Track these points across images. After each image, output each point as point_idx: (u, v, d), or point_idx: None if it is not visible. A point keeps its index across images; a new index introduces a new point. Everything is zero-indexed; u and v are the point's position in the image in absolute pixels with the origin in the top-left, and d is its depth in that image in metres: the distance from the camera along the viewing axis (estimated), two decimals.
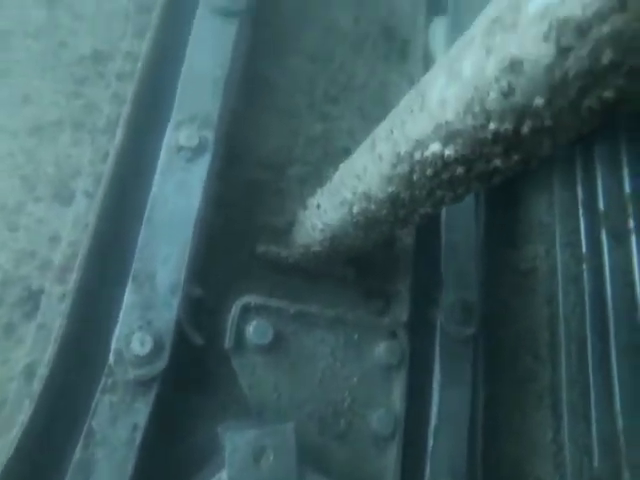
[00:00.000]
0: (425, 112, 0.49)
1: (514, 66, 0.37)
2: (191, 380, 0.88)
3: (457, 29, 1.23)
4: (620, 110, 0.36)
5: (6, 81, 0.97)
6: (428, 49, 1.27)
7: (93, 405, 0.73)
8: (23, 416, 0.73)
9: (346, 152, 1.16)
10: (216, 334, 0.89)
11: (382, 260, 1.04)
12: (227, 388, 0.89)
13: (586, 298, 0.96)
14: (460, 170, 0.49)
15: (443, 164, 0.49)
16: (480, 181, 0.50)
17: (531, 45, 0.35)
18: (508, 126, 0.41)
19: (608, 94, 0.34)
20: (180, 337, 0.81)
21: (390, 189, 0.59)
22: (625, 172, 0.91)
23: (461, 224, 1.05)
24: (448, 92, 0.45)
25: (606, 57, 0.31)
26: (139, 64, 0.96)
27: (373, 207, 0.65)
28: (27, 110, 0.97)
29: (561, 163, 1.03)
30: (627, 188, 0.91)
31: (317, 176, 1.06)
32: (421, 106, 0.50)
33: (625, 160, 0.92)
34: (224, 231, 0.97)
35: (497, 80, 0.39)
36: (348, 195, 0.69)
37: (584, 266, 0.97)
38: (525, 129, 0.40)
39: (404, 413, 0.91)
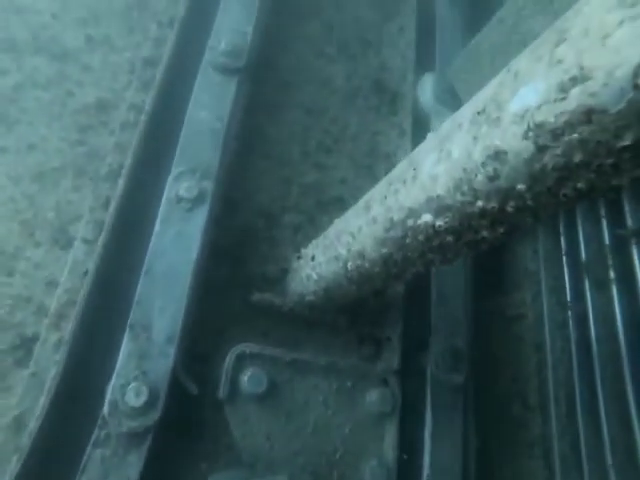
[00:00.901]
0: (417, 184, 0.53)
1: (499, 155, 0.41)
2: (184, 428, 0.88)
3: (444, 85, 1.31)
4: (593, 197, 0.40)
5: (15, 129, 1.00)
6: (417, 102, 1.34)
7: (84, 460, 0.73)
8: (9, 473, 0.72)
9: (339, 201, 1.20)
10: (210, 382, 0.89)
11: (373, 307, 1.07)
12: (220, 436, 0.88)
13: (572, 345, 0.99)
14: (450, 238, 0.53)
15: (434, 232, 0.53)
16: (469, 248, 0.54)
17: (513, 140, 0.39)
18: (494, 204, 0.44)
19: (581, 185, 0.38)
20: (174, 386, 0.82)
21: (383, 250, 0.62)
22: (604, 224, 0.96)
23: (450, 271, 1.09)
24: (439, 168, 0.49)
25: (577, 157, 0.35)
26: (142, 115, 1.00)
27: (367, 265, 0.68)
28: (32, 157, 0.99)
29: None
30: (607, 240, 0.96)
31: (311, 224, 1.10)
32: (413, 178, 0.54)
33: (603, 212, 0.97)
34: (218, 278, 0.98)
35: (483, 165, 0.42)
36: (343, 252, 0.72)
37: (569, 313, 1.00)
38: (509, 208, 0.44)
39: (396, 464, 0.92)
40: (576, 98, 0.32)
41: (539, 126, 0.35)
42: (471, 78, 1.19)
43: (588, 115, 0.32)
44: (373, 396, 0.94)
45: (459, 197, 0.47)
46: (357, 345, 1.02)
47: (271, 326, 0.98)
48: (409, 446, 0.95)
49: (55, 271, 0.94)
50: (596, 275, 0.97)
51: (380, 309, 1.07)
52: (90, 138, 1.03)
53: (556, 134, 0.35)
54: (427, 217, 0.52)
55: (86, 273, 0.88)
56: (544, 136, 0.36)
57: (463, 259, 1.11)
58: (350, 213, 0.74)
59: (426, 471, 0.92)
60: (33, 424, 0.73)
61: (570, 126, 0.33)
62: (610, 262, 0.94)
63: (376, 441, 0.92)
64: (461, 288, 1.07)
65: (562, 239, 1.04)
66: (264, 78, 1.16)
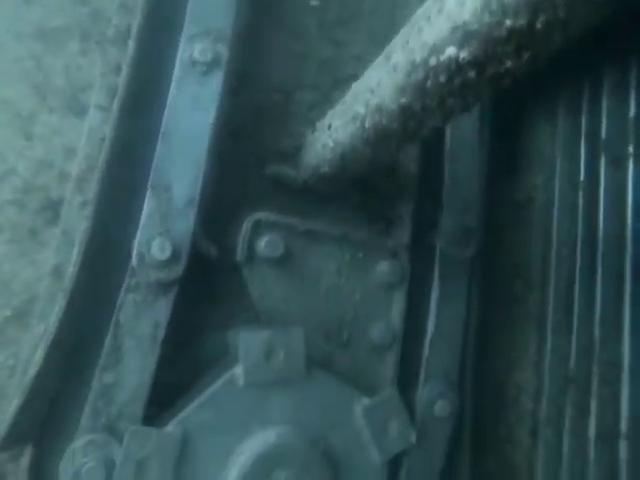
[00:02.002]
0: (443, 14, 0.51)
1: None
2: (202, 291, 0.94)
3: None
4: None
5: None
6: None
7: (119, 301, 0.79)
8: (57, 308, 0.79)
9: (354, 78, 1.16)
10: (227, 250, 0.94)
11: (385, 187, 1.08)
12: (236, 299, 0.95)
13: (579, 224, 1.01)
14: (472, 74, 0.52)
15: (457, 68, 0.52)
16: (490, 84, 0.53)
17: None
18: (522, 21, 0.43)
19: None
20: (194, 249, 0.86)
21: (403, 100, 0.62)
22: (632, 95, 0.93)
23: (464, 153, 1.08)
24: None
25: None
26: None
27: (385, 120, 0.68)
28: (31, 12, 0.95)
29: (567, 92, 1.05)
30: (632, 112, 0.93)
31: (325, 101, 1.08)
32: (440, 9, 0.52)
33: (634, 84, 0.93)
34: (233, 152, 0.99)
35: None
36: (361, 109, 0.72)
37: (580, 193, 1.01)
38: (539, 24, 0.43)
39: (402, 327, 0.99)
40: None
41: None
42: None
43: None
44: (383, 267, 0.98)
45: (486, 18, 0.45)
46: (367, 222, 1.05)
47: (285, 200, 1.00)
48: (415, 313, 1.01)
49: (72, 138, 0.95)
50: (614, 152, 0.97)
51: (392, 189, 1.08)
52: None
53: None
54: (451, 50, 0.51)
55: (103, 139, 0.90)
56: None
57: (478, 142, 1.10)
58: (369, 70, 0.72)
59: (430, 334, 0.99)
60: (71, 269, 0.79)
61: None
62: (631, 137, 0.93)
63: (384, 307, 0.99)
64: (475, 169, 1.07)
65: (583, 118, 1.01)
66: None
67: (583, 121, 1.01)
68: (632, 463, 0.92)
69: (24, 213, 0.95)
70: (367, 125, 0.71)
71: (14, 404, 0.78)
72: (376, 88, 0.66)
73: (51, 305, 0.87)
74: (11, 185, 0.94)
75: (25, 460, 0.83)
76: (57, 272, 0.89)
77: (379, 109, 0.67)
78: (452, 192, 1.04)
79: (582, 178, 1.02)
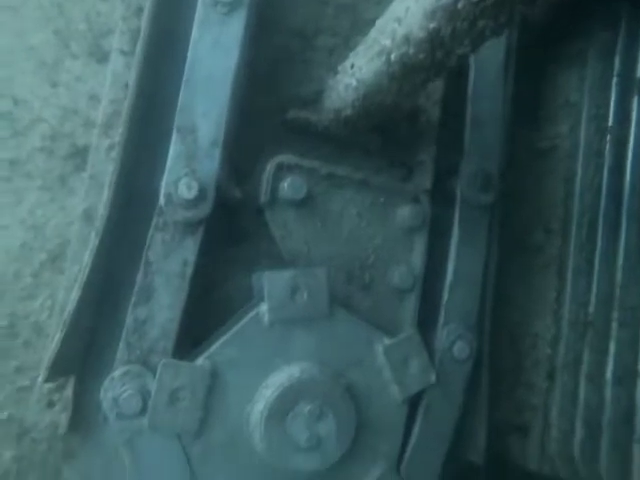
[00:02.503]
0: None
1: None
2: (227, 234, 0.96)
3: None
4: None
5: None
6: None
7: (148, 240, 0.82)
8: (89, 249, 0.82)
9: (374, 24, 1.14)
10: (250, 193, 0.95)
11: (407, 133, 1.07)
12: (260, 243, 0.97)
13: (605, 171, 1.00)
14: None
15: None
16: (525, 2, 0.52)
17: None
18: None
19: None
20: (219, 191, 0.87)
21: (432, 25, 0.61)
22: None
23: (487, 98, 1.06)
24: None
25: None
26: None
27: (412, 51, 0.67)
28: None
29: (601, 30, 1.01)
30: None
31: (345, 46, 1.06)
32: None
33: None
34: (255, 97, 0.99)
35: None
36: (387, 42, 0.71)
37: (608, 138, 0.99)
38: None
39: (423, 270, 1.00)
40: None
41: None
42: None
43: None
44: (404, 212, 0.99)
45: None
46: (388, 168, 1.05)
47: (306, 146, 1.00)
48: (435, 258, 1.03)
49: (95, 85, 0.96)
50: None
51: (413, 135, 1.08)
52: None
53: None
54: None
55: (127, 84, 0.90)
56: None
57: (503, 89, 1.08)
58: (394, 3, 0.71)
59: (450, 277, 1.00)
60: (101, 211, 0.81)
61: None
62: None
63: (405, 251, 1.00)
64: (498, 115, 1.05)
65: (617, 58, 0.98)
66: None
67: (616, 61, 0.98)
68: None
69: (53, 160, 0.97)
70: (393, 59, 0.71)
71: (55, 338, 0.82)
72: (404, 16, 0.65)
73: (83, 247, 0.90)
74: (39, 133, 0.95)
75: (69, 390, 0.88)
76: (87, 216, 0.91)
77: (406, 39, 0.66)
78: (474, 137, 1.03)
79: (611, 123, 1.00)
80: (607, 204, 1.00)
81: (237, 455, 0.86)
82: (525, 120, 1.15)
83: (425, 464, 0.97)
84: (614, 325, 0.97)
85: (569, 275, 1.04)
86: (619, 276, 0.96)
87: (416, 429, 0.97)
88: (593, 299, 1.01)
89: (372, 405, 0.92)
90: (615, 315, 0.96)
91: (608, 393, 0.96)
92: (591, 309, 1.01)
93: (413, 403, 0.97)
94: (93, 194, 0.91)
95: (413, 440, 0.96)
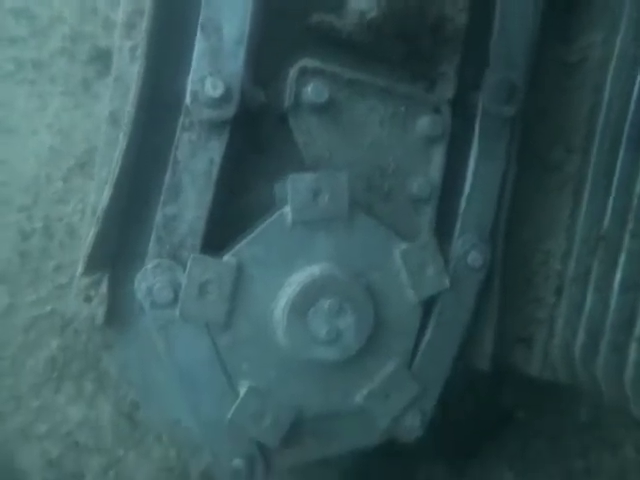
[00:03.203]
0: None
1: None
2: (251, 141, 0.98)
3: None
4: None
5: None
6: None
7: (175, 140, 0.84)
8: (118, 150, 0.84)
9: None
10: (273, 100, 0.95)
11: (431, 44, 1.05)
12: (283, 151, 0.98)
13: (637, 81, 0.97)
14: None
15: None
16: None
17: None
18: None
19: None
20: (243, 94, 0.88)
21: None
22: None
23: (517, 9, 1.03)
24: None
25: None
26: None
27: None
28: None
29: None
30: None
31: None
32: None
33: None
34: (278, 1, 0.97)
35: None
36: None
37: None
38: None
39: (441, 181, 1.02)
40: None
41: None
42: None
43: None
44: (425, 122, 0.99)
45: None
46: (411, 80, 1.04)
47: (330, 52, 0.99)
48: (454, 170, 1.04)
49: None
50: None
51: (438, 48, 1.05)
52: None
53: None
54: None
55: None
56: None
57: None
58: None
59: (467, 189, 1.02)
60: (128, 110, 0.83)
61: None
62: None
63: (424, 162, 1.01)
64: (526, 24, 1.02)
65: None
66: None
67: None
68: None
69: (75, 64, 0.98)
70: None
71: (90, 234, 0.87)
72: None
73: (111, 151, 0.92)
74: (60, 32, 0.95)
75: (104, 286, 0.94)
76: (113, 119, 0.93)
77: None
78: (499, 47, 1.01)
79: None
80: (634, 116, 0.98)
81: (261, 347, 0.93)
82: (555, 32, 1.12)
83: (435, 363, 1.04)
84: (626, 237, 0.99)
85: (586, 191, 1.05)
86: (638, 188, 0.96)
87: (429, 331, 1.02)
88: (608, 214, 1.02)
89: (388, 305, 0.97)
90: (629, 227, 0.98)
91: (613, 301, 1.00)
92: (605, 224, 1.03)
93: (427, 308, 1.03)
94: (118, 97, 0.92)
95: (425, 341, 1.02)
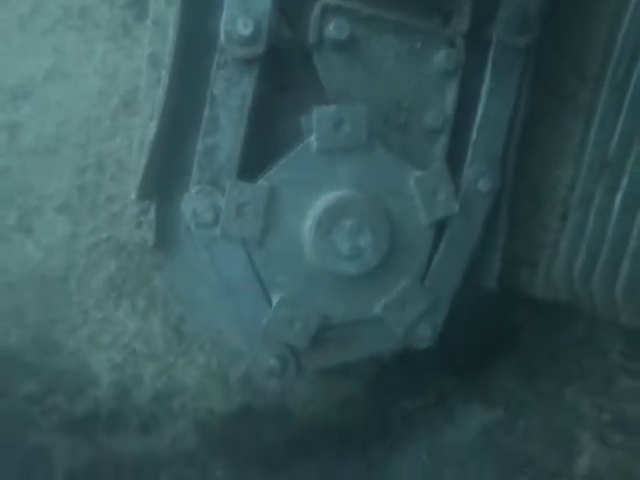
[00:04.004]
0: None
1: None
2: (279, 79, 1.06)
3: None
4: None
5: None
6: None
7: (211, 77, 0.94)
8: (160, 88, 0.95)
9: None
10: (297, 39, 1.03)
11: None
12: (308, 88, 1.07)
13: None
14: None
15: None
16: None
17: None
18: None
19: None
20: (270, 31, 0.96)
21: None
22: None
23: None
24: None
25: None
26: None
27: None
28: None
29: None
30: None
31: None
32: None
33: None
34: None
35: None
36: None
37: None
38: None
39: (454, 113, 1.09)
40: None
41: None
42: None
43: None
44: (440, 56, 1.06)
45: None
46: (427, 14, 1.10)
47: None
48: (467, 102, 1.11)
49: None
50: None
51: None
52: None
53: None
54: None
55: None
56: None
57: None
58: None
59: (478, 119, 1.10)
60: (168, 49, 0.92)
61: None
62: None
63: (439, 95, 1.09)
64: None
65: None
66: None
67: None
68: None
69: (115, 8, 1.07)
70: None
71: (140, 165, 0.99)
72: None
73: (153, 90, 1.03)
74: None
75: (152, 212, 1.07)
76: (153, 60, 1.03)
77: None
78: None
79: None
80: None
81: (292, 262, 1.06)
82: None
83: (445, 280, 1.16)
84: (630, 161, 1.06)
85: (596, 118, 1.11)
86: None
87: (440, 251, 1.14)
88: (615, 139, 1.08)
89: (403, 227, 1.08)
90: (634, 150, 1.04)
91: (612, 221, 1.08)
92: (611, 149, 1.09)
93: (439, 230, 1.13)
94: (157, 39, 1.02)
95: (437, 259, 1.14)
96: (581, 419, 1.21)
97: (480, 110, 1.09)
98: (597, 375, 1.24)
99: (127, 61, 1.09)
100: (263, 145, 1.06)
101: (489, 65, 1.08)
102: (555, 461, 1.19)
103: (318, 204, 1.02)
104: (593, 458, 1.16)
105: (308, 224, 1.03)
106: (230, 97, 0.96)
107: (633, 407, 1.18)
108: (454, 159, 1.13)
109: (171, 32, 0.95)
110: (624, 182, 1.08)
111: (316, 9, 0.99)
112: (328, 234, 1.02)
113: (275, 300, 1.07)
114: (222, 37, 0.91)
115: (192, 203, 0.99)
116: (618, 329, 1.14)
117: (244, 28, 0.90)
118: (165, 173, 1.04)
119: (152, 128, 0.97)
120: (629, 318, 1.16)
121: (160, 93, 0.96)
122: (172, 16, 0.96)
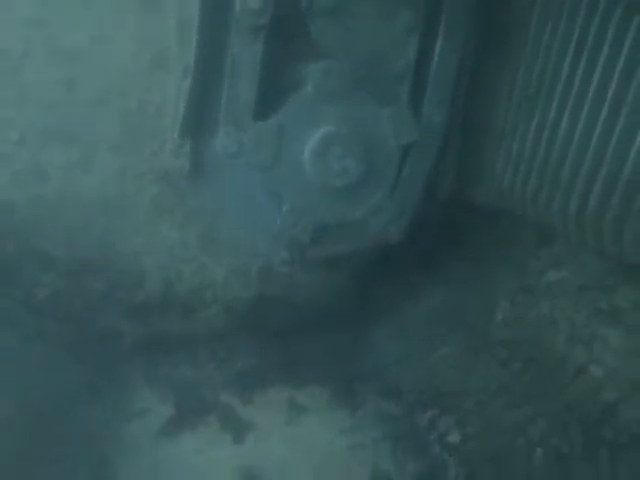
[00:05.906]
0: None
1: None
2: (282, 39, 1.36)
3: None
4: None
5: None
6: None
7: (230, 41, 1.25)
8: (193, 42, 1.25)
9: None
10: (295, 7, 1.32)
11: None
12: (305, 44, 1.38)
13: None
14: None
15: None
16: None
17: None
18: None
19: None
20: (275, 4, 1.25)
21: None
22: None
23: None
24: None
25: None
26: None
27: None
28: None
29: None
30: None
31: None
32: None
33: None
34: None
35: None
36: None
37: None
38: None
39: (415, 61, 1.43)
40: None
41: None
42: None
43: None
44: (404, 16, 1.37)
45: None
46: None
47: None
48: (426, 52, 1.44)
49: None
50: None
51: None
52: None
53: None
54: None
55: None
56: None
57: None
58: None
59: (434, 66, 1.43)
60: (198, 14, 1.22)
61: None
62: None
63: (404, 48, 1.41)
64: None
65: None
66: None
67: None
68: None
69: None
70: None
71: (179, 109, 1.32)
72: None
73: (183, 50, 1.33)
74: None
75: (187, 146, 1.41)
76: (181, 25, 1.32)
77: None
78: None
79: None
80: None
81: (296, 180, 1.44)
82: None
83: (410, 192, 1.56)
84: (541, 98, 1.42)
85: (528, 54, 1.43)
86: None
87: (405, 169, 1.53)
88: (536, 75, 1.42)
89: (378, 151, 1.46)
90: (544, 90, 1.40)
91: (529, 141, 1.47)
92: (531, 89, 1.45)
93: (404, 153, 1.51)
94: (184, 7, 1.30)
95: (403, 176, 1.53)
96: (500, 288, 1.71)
97: (435, 59, 1.43)
98: (513, 258, 1.71)
99: (158, 26, 1.37)
100: (272, 92, 1.39)
101: (442, 22, 1.40)
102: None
103: (315, 136, 1.39)
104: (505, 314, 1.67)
105: (308, 151, 1.39)
106: (245, 56, 1.27)
107: (535, 280, 1.67)
108: (416, 98, 1.48)
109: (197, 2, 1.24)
110: (537, 113, 1.45)
111: None
112: (323, 158, 1.39)
113: (284, 208, 1.46)
114: (238, 8, 1.22)
115: (221, 140, 1.35)
116: (532, 225, 1.58)
117: (254, 2, 1.21)
118: (198, 116, 1.37)
119: (188, 79, 1.29)
120: (535, 212, 1.57)
121: (194, 50, 1.27)
122: None
